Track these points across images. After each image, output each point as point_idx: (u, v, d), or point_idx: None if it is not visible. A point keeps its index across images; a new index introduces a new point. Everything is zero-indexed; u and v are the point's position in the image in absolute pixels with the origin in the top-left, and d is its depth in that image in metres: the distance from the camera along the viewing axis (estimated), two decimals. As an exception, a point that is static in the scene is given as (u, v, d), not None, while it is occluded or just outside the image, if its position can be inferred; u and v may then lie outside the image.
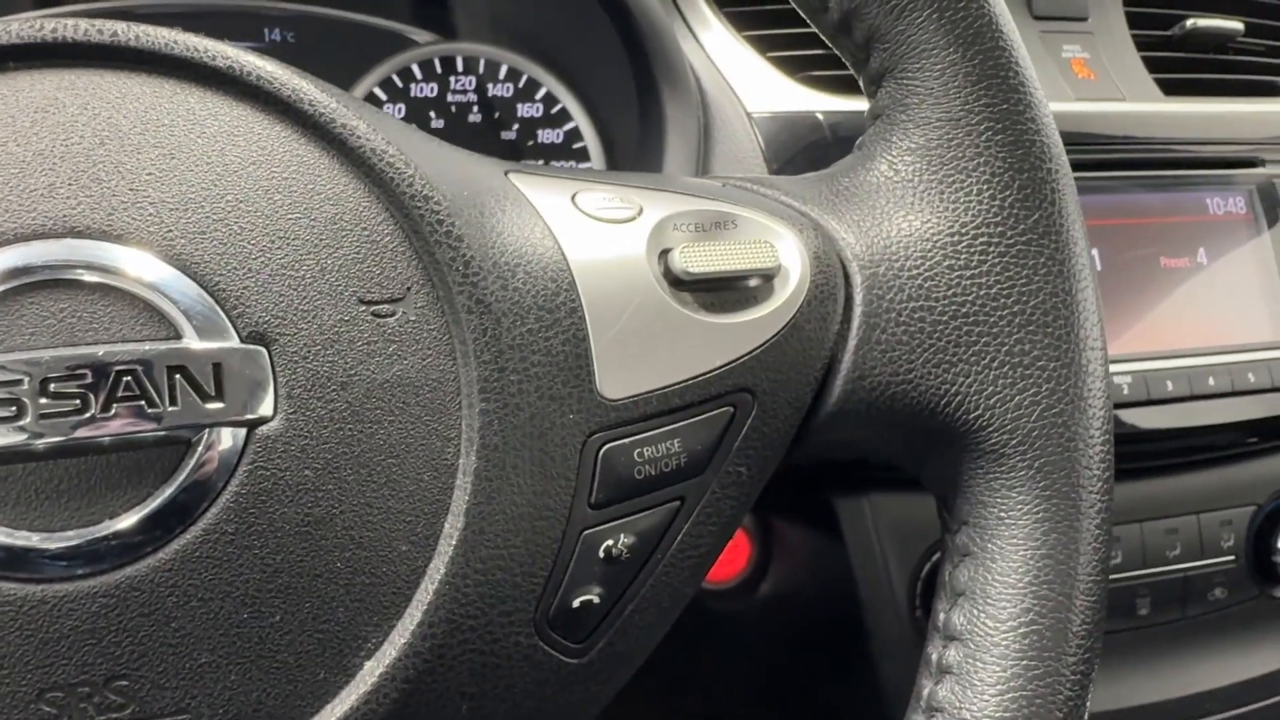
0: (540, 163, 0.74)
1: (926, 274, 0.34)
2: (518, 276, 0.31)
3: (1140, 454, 0.69)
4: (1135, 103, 0.73)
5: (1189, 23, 0.78)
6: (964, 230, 0.34)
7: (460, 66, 0.74)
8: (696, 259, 0.33)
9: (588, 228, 0.33)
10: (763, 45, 0.68)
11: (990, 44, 0.35)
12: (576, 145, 0.74)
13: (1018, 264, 0.34)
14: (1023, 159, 0.35)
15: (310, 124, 0.30)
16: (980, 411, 0.34)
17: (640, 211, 0.34)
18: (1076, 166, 0.69)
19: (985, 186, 0.34)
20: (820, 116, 0.66)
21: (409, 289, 0.30)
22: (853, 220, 0.36)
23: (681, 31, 0.67)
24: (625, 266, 0.33)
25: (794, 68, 0.67)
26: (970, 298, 0.34)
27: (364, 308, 0.29)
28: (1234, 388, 0.67)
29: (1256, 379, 0.68)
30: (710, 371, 0.33)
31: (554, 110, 0.74)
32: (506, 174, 0.34)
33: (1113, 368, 0.65)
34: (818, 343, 0.34)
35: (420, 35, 0.76)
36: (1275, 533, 0.74)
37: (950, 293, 0.34)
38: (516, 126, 0.74)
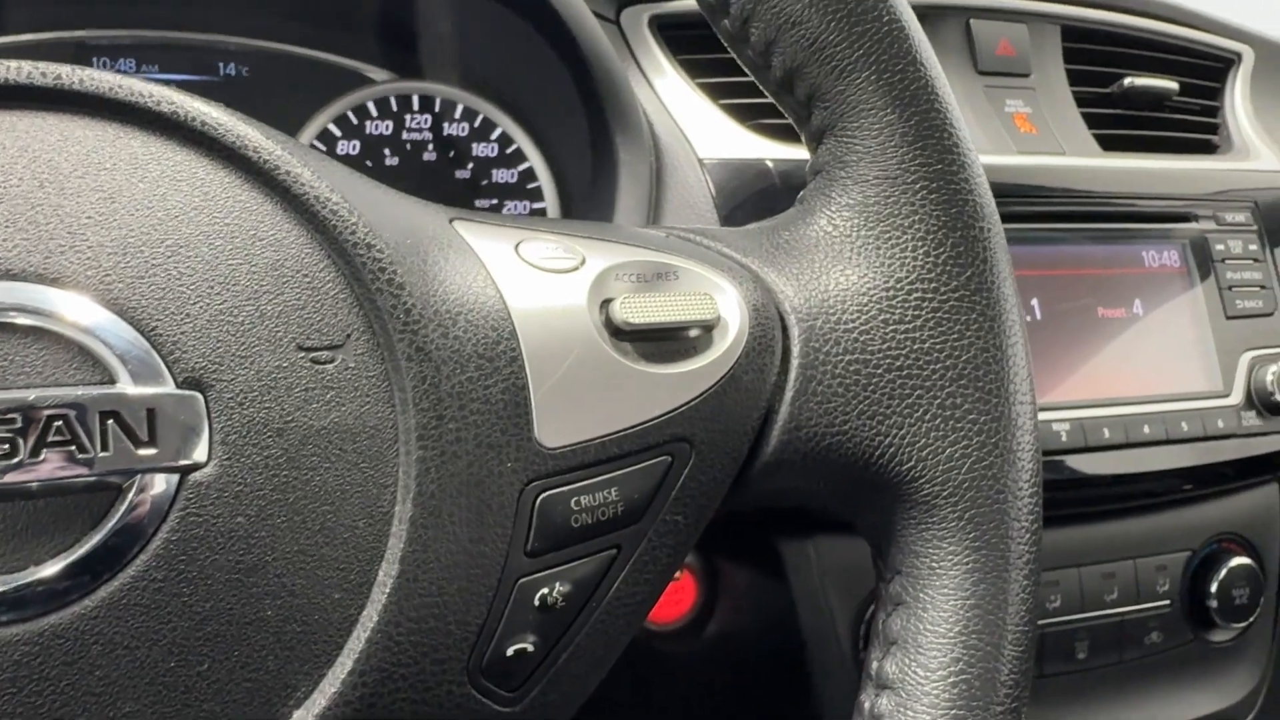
0: (493, 202, 0.74)
1: (862, 328, 0.35)
2: (459, 325, 0.31)
3: (1078, 500, 0.70)
4: (1075, 157, 0.75)
5: (1126, 81, 0.81)
6: (899, 286, 0.35)
7: (416, 105, 0.74)
8: (637, 310, 0.33)
9: (530, 277, 0.33)
10: (715, 93, 0.69)
11: (926, 106, 0.36)
12: (531, 185, 0.75)
13: (950, 319, 0.35)
14: (956, 217, 0.36)
15: (254, 170, 0.30)
16: (912, 463, 0.35)
17: (583, 261, 0.35)
18: (1018, 218, 0.71)
19: (920, 244, 0.35)
20: (770, 164, 0.67)
21: (349, 336, 0.30)
22: (792, 274, 0.37)
23: (636, 77, 0.69)
24: (566, 316, 0.33)
25: (745, 115, 0.69)
26: (904, 352, 0.35)
27: (303, 354, 0.29)
28: (1167, 436, 0.69)
29: (1189, 427, 0.70)
30: (648, 421, 0.33)
31: (509, 150, 0.75)
32: (451, 221, 0.35)
33: (1051, 415, 0.67)
34: (755, 394, 0.35)
35: (376, 73, 0.76)
36: (1209, 578, 0.75)
37: (885, 347, 0.35)
38: (471, 165, 0.75)
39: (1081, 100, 0.80)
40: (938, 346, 0.35)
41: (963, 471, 0.35)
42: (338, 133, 0.72)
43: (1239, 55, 0.88)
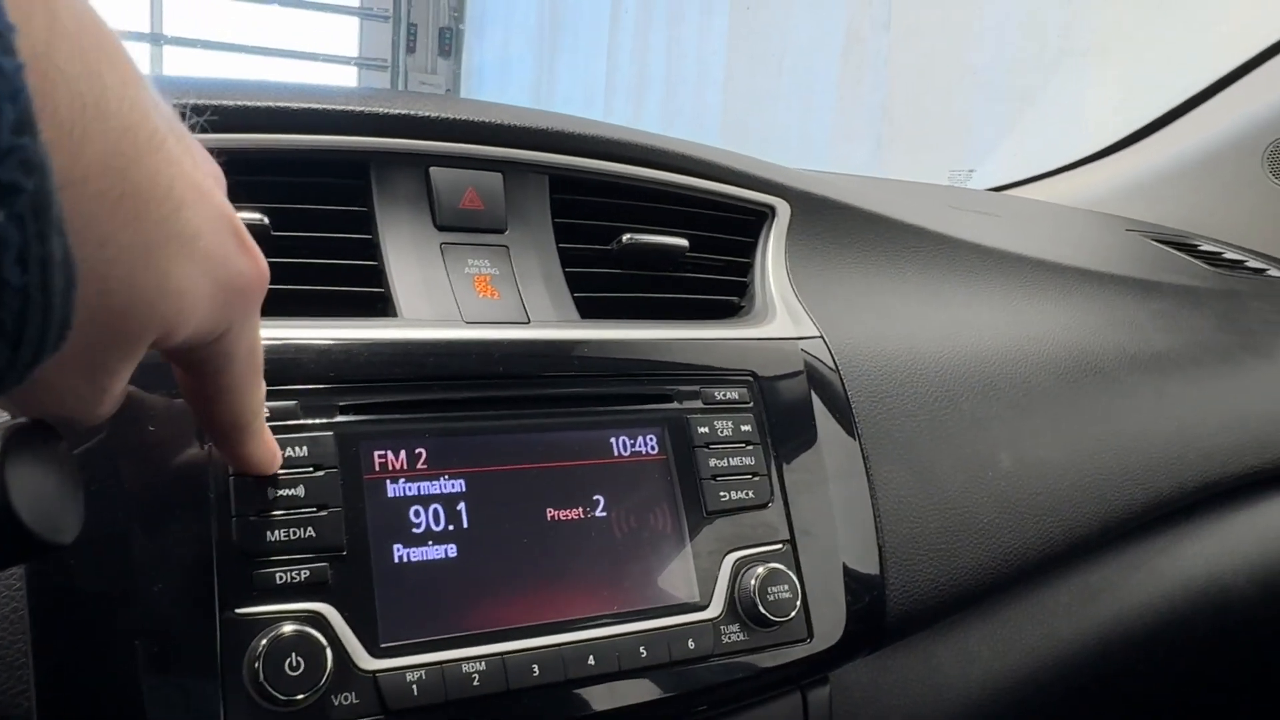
0: None
1: None
2: None
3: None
4: (539, 328, 0.64)
5: (625, 237, 0.72)
6: None
7: None
8: None
9: None
10: None
11: None
12: None
13: None
14: None
15: None
16: None
17: None
18: (451, 405, 0.59)
19: None
20: None
21: None
22: None
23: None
24: None
25: None
26: None
27: None
28: (620, 668, 0.57)
29: (650, 653, 0.58)
30: None
31: None
32: None
33: (464, 653, 0.54)
34: None
35: None
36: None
37: None
38: None
39: (570, 259, 0.70)
40: None
41: None
42: None
43: (772, 209, 0.82)
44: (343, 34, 10.48)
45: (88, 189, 0.27)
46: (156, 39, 9.11)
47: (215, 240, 0.34)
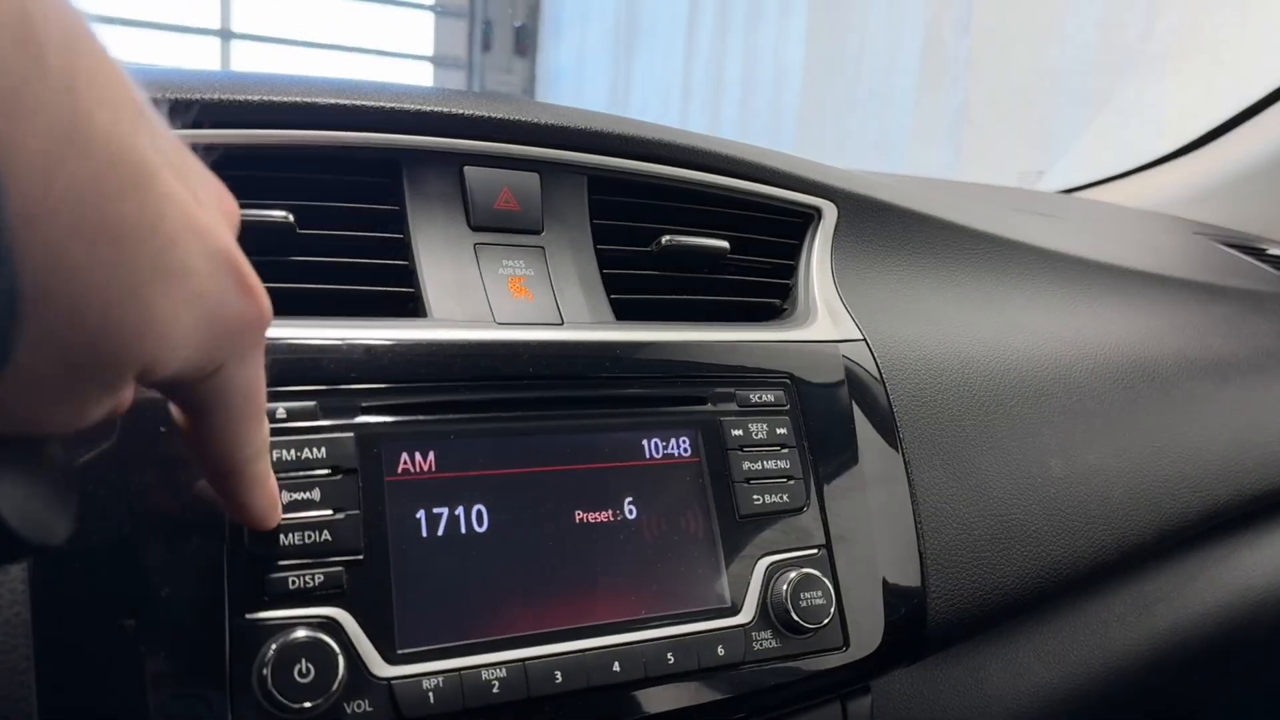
0: None
1: None
2: None
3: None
4: (573, 329, 0.64)
5: (665, 239, 0.71)
6: None
7: None
8: None
9: None
10: None
11: None
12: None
13: None
14: None
15: None
16: None
17: None
18: (478, 406, 0.59)
19: None
20: None
21: None
22: None
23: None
24: None
25: None
26: None
27: None
28: (646, 674, 0.56)
29: (678, 659, 0.57)
30: None
31: None
32: None
33: (484, 659, 0.53)
34: None
35: None
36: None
37: None
38: None
39: (608, 261, 0.69)
40: None
41: None
42: None
43: (818, 211, 0.80)
44: (418, 31, 10.50)
45: (58, 222, 0.26)
46: (225, 35, 9.14)
47: (209, 279, 0.33)
